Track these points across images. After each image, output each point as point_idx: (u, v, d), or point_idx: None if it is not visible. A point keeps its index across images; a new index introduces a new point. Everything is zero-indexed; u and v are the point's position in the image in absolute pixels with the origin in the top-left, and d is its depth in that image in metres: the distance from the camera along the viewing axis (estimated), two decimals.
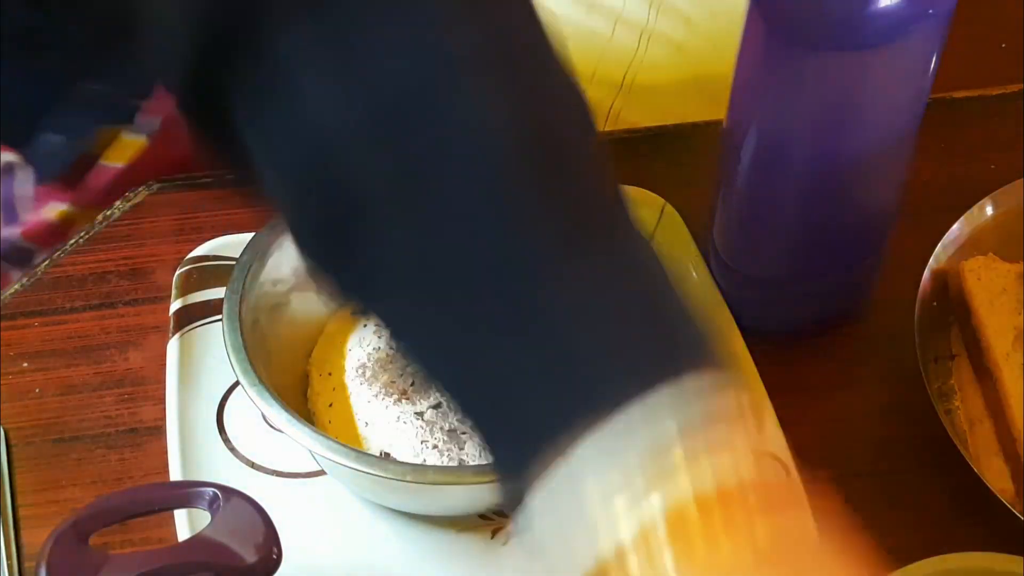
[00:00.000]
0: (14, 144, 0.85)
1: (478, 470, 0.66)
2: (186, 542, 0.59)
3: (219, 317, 0.69)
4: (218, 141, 0.55)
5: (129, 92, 0.81)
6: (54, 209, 0.89)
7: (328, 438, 0.64)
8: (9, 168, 0.90)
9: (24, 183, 0.90)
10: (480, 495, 0.68)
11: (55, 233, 0.89)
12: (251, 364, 0.67)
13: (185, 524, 0.66)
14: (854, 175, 0.73)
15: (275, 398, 0.66)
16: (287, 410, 0.65)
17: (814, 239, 0.76)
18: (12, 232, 0.90)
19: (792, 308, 0.79)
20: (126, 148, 0.85)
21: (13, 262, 0.90)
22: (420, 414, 0.69)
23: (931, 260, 0.77)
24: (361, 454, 0.65)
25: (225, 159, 0.55)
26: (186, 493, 0.60)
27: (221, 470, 0.70)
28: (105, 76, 0.81)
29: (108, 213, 0.85)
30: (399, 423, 0.69)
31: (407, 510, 0.69)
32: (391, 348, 0.72)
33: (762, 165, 0.74)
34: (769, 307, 0.79)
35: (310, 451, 0.66)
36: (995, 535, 0.70)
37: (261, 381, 0.66)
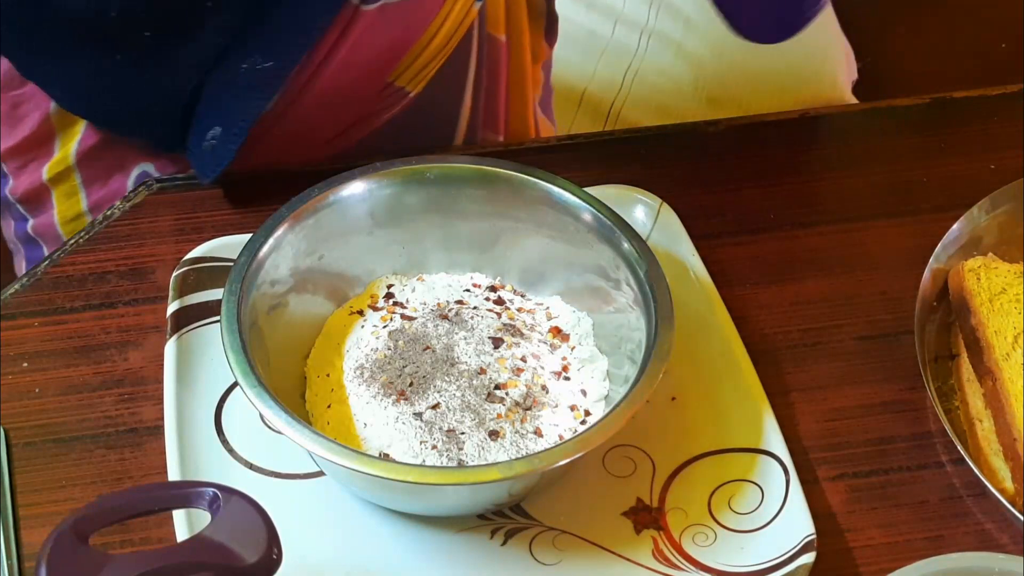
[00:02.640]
0: (170, 147, 0.84)
1: (478, 470, 0.66)
2: (186, 542, 0.59)
3: (217, 319, 0.69)
4: None
5: (281, 63, 0.79)
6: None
7: (327, 439, 0.64)
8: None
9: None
10: (480, 495, 0.68)
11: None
12: (249, 365, 0.67)
13: (185, 524, 0.66)
14: None
15: (273, 399, 0.66)
16: (286, 411, 0.65)
17: None
18: None
19: None
20: None
21: None
22: (419, 415, 0.69)
23: (931, 260, 0.77)
24: (360, 455, 0.65)
25: None
26: (186, 493, 0.60)
27: (219, 471, 0.70)
28: (256, 48, 0.79)
29: (108, 213, 0.85)
30: (398, 424, 0.69)
31: (406, 510, 0.69)
32: (389, 349, 0.72)
33: None
34: None
35: (309, 452, 0.66)
36: (995, 535, 0.70)
37: (260, 382, 0.66)
